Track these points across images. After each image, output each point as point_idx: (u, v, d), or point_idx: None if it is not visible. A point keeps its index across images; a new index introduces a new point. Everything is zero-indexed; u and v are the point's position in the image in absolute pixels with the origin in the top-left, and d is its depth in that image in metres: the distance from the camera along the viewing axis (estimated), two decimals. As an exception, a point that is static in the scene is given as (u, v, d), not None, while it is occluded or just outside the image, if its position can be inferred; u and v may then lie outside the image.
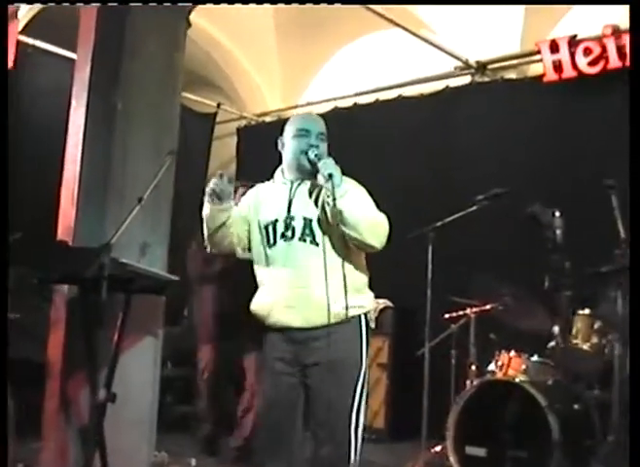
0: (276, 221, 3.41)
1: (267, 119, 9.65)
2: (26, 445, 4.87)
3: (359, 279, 3.42)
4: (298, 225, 3.35)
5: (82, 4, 4.85)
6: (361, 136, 7.66)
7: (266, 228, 3.44)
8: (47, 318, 4.79)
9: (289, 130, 3.50)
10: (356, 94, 8.58)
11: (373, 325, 3.47)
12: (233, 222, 3.51)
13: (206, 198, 3.44)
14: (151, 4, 4.87)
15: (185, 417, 7.47)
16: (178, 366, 7.76)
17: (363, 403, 3.33)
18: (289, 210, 3.40)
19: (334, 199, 3.15)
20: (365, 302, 3.41)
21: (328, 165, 3.21)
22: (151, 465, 4.88)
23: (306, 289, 3.30)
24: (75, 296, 4.45)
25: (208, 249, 3.65)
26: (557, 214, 3.08)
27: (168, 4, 4.94)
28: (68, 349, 4.55)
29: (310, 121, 3.52)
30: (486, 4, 7.42)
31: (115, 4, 4.83)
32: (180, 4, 5.03)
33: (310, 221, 3.35)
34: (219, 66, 9.62)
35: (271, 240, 3.41)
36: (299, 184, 3.44)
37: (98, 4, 4.84)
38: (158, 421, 4.98)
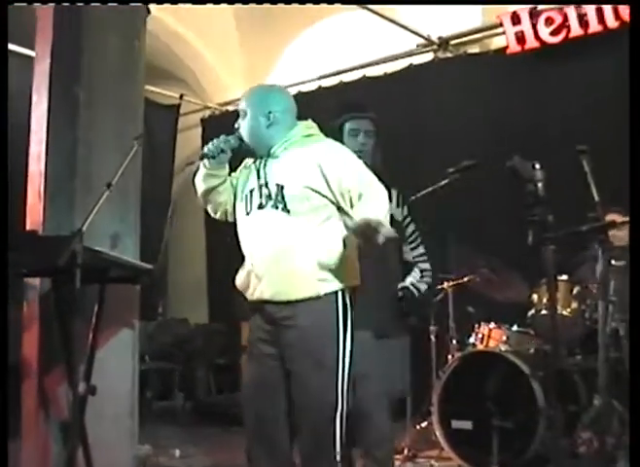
0: (253, 189, 3.36)
1: (231, 108, 9.56)
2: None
3: (335, 252, 3.21)
4: (271, 192, 3.28)
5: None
6: (326, 119, 7.61)
7: (246, 197, 3.39)
8: (17, 318, 4.71)
9: None
10: (319, 77, 8.54)
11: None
12: (226, 191, 3.49)
13: (202, 160, 3.41)
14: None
15: (166, 410, 7.46)
16: (156, 360, 7.73)
17: (345, 391, 3.17)
18: (263, 178, 3.34)
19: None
20: (341, 277, 3.20)
21: None
22: (135, 458, 4.84)
23: (275, 259, 3.20)
24: (48, 290, 4.38)
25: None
26: (537, 166, 3.03)
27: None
28: (44, 346, 4.48)
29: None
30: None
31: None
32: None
33: (282, 187, 3.26)
34: (180, 58, 9.55)
35: (248, 209, 3.36)
36: (266, 156, 3.39)
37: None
38: (139, 415, 4.93)
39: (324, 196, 3.23)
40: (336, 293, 3.19)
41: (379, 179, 3.42)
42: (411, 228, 4.36)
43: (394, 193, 4.26)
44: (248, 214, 3.36)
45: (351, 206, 3.22)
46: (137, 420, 4.87)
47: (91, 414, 4.01)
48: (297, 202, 3.23)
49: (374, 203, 3.17)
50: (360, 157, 4.17)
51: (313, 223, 3.22)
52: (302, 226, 3.20)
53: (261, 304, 3.29)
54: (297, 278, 3.18)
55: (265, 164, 3.38)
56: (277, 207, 3.25)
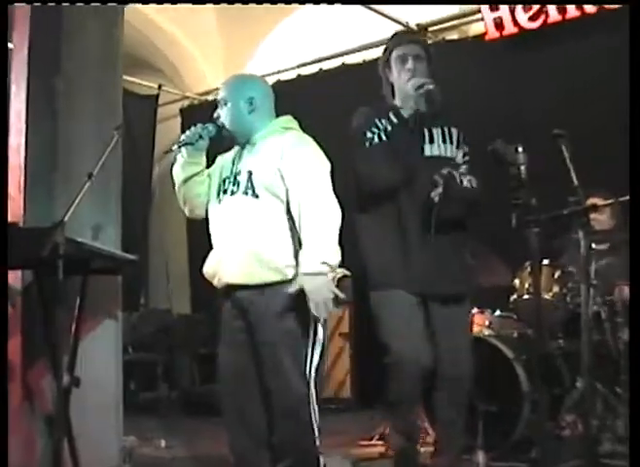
0: (226, 178, 3.39)
1: (210, 97, 9.53)
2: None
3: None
4: (242, 179, 3.30)
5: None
6: (305, 107, 7.59)
7: (219, 185, 3.41)
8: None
9: None
10: (299, 66, 8.53)
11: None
12: (205, 181, 3.49)
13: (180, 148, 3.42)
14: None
15: (150, 401, 7.44)
16: (139, 351, 7.72)
17: (313, 377, 3.19)
18: (237, 166, 3.37)
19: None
20: None
21: None
22: (120, 449, 4.83)
23: (244, 243, 3.22)
24: (29, 283, 4.36)
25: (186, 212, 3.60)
26: (520, 149, 3.05)
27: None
28: (27, 341, 4.46)
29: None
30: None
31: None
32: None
33: (251, 173, 3.29)
34: (158, 48, 9.51)
35: (220, 196, 3.38)
36: (243, 145, 3.41)
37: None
38: (123, 406, 4.92)
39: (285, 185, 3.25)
40: None
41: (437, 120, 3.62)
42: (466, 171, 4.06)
43: (454, 132, 4.07)
44: (220, 202, 3.37)
45: (299, 215, 3.21)
46: (122, 412, 4.87)
47: (76, 407, 4.00)
48: (264, 188, 3.25)
49: (320, 224, 3.17)
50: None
51: (282, 209, 3.24)
52: (270, 211, 3.23)
53: (230, 289, 3.31)
54: (264, 262, 3.18)
55: (241, 154, 3.40)
56: (247, 193, 3.27)
